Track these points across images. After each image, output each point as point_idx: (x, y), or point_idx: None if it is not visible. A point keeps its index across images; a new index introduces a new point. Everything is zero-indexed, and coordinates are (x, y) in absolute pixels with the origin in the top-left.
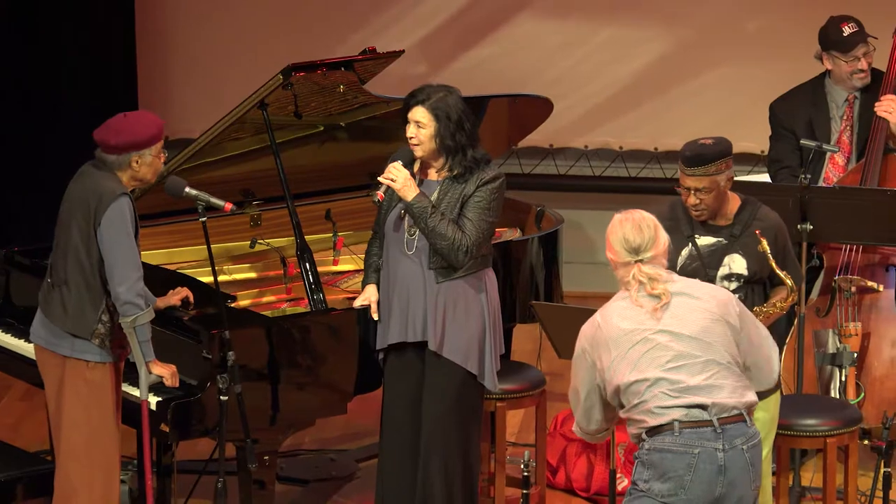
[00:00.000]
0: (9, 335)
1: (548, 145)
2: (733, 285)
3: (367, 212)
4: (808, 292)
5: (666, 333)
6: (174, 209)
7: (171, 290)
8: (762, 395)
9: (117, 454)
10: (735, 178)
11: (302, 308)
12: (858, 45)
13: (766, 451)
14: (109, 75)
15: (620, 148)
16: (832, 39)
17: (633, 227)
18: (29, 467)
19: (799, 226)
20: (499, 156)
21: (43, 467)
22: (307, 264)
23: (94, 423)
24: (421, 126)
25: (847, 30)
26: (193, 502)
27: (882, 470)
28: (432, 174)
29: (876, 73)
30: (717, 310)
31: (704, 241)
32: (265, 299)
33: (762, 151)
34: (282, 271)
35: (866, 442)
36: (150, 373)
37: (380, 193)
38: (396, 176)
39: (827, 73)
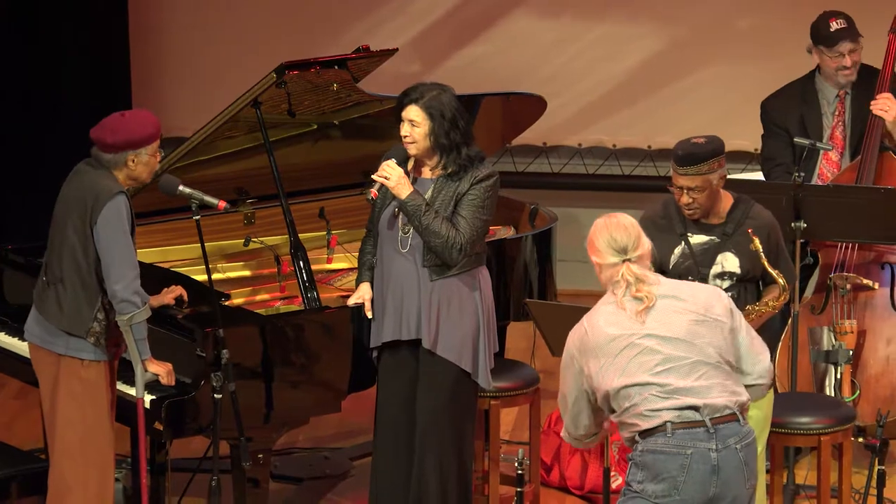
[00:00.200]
0: (2, 333)
1: (541, 143)
2: (726, 284)
3: (361, 210)
4: (803, 290)
5: (653, 337)
6: (168, 207)
7: (165, 289)
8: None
9: (112, 452)
10: (729, 177)
11: (296, 306)
12: (843, 42)
13: (760, 448)
14: (106, 75)
15: (614, 146)
16: (820, 34)
17: (619, 227)
18: (23, 465)
19: (793, 224)
20: (492, 154)
21: (37, 465)
22: (301, 262)
23: (88, 421)
24: (415, 125)
25: (834, 25)
26: (187, 500)
27: (876, 468)
28: (426, 172)
29: (870, 70)
30: (702, 310)
31: (697, 239)
32: (259, 297)
33: (755, 149)
34: (276, 269)
35: (861, 440)
36: (147, 371)
37: (373, 191)
38: (390, 174)
39: (817, 69)
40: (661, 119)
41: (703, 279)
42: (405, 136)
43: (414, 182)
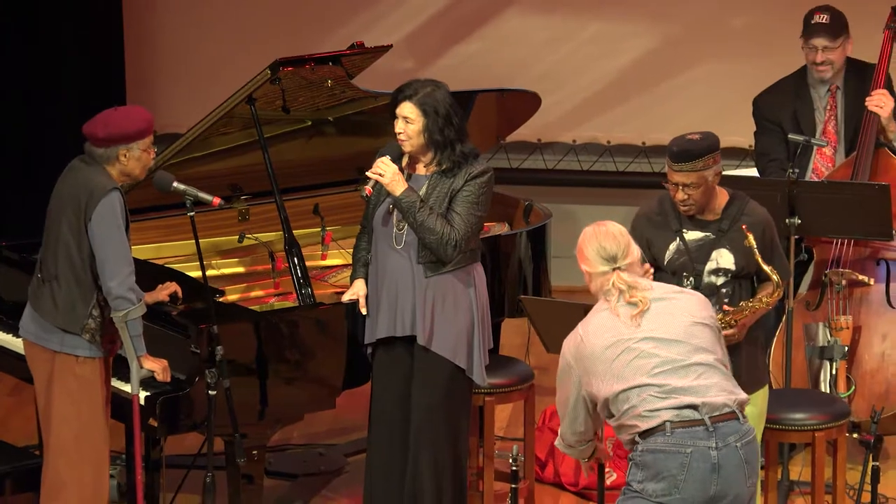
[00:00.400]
0: None
1: (536, 140)
2: (720, 280)
3: (356, 206)
4: (797, 286)
5: (649, 340)
6: (162, 204)
7: (160, 285)
8: (751, 390)
9: (106, 449)
10: (723, 173)
11: (290, 303)
12: (817, 37)
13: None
14: (101, 73)
15: (608, 142)
16: (804, 25)
17: (608, 236)
18: (17, 462)
19: (787, 220)
20: (486, 150)
21: (31, 462)
22: (295, 259)
23: (83, 418)
24: (409, 121)
25: (815, 19)
26: (182, 497)
27: (870, 464)
28: (420, 169)
29: (861, 65)
30: (696, 312)
31: (692, 235)
32: (253, 294)
33: (750, 146)
34: (270, 266)
35: (856, 435)
36: (142, 367)
37: (368, 188)
38: (384, 171)
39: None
40: (656, 116)
41: (698, 275)
42: (399, 133)
43: (408, 178)
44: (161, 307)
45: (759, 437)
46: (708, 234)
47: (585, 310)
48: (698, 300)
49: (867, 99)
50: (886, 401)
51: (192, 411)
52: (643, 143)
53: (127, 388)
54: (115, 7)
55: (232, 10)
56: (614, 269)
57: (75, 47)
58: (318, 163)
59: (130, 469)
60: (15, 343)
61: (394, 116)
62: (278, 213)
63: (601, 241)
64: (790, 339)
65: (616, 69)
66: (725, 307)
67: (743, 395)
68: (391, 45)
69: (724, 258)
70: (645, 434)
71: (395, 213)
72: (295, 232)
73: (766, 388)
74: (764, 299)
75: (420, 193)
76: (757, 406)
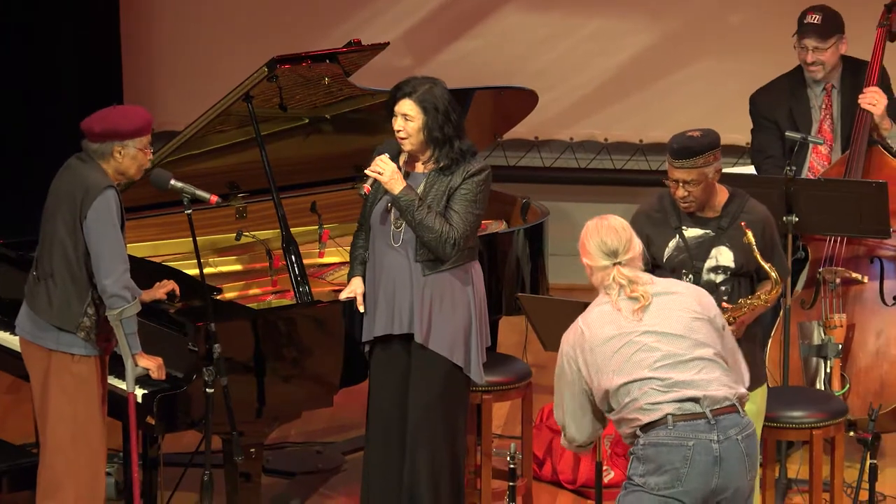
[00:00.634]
0: None
1: (533, 137)
2: (720, 278)
3: (353, 204)
4: (794, 284)
5: (651, 334)
6: (159, 202)
7: (157, 283)
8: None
9: (103, 447)
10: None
11: (287, 300)
12: (808, 37)
13: None
14: (97, 71)
15: (605, 140)
16: (797, 23)
17: (609, 230)
18: (14, 460)
19: (784, 218)
20: (484, 148)
21: (28, 460)
22: (293, 257)
23: (79, 416)
24: (409, 119)
25: (807, 18)
26: (180, 495)
27: (868, 462)
28: (418, 167)
29: (856, 63)
30: (697, 308)
31: (692, 232)
32: (251, 292)
33: (747, 143)
34: (267, 264)
35: (852, 433)
36: (137, 365)
37: (366, 186)
38: (383, 168)
39: None
40: (653, 113)
41: (698, 273)
42: (399, 131)
43: (406, 176)
44: (159, 305)
45: (758, 436)
46: (708, 231)
47: (583, 307)
48: (699, 294)
49: (860, 96)
50: (881, 398)
51: (190, 409)
52: (640, 141)
53: (123, 385)
54: (112, 6)
55: (228, 9)
56: (615, 264)
57: (72, 46)
58: (316, 160)
59: (127, 467)
60: (12, 341)
61: (391, 115)
62: (276, 211)
63: (603, 236)
64: (787, 336)
65: (613, 66)
66: (724, 305)
67: (743, 390)
68: (388, 43)
69: (723, 256)
70: (646, 427)
71: (392, 211)
72: (292, 230)
73: (765, 385)
74: (763, 297)
75: (418, 192)
76: (756, 404)
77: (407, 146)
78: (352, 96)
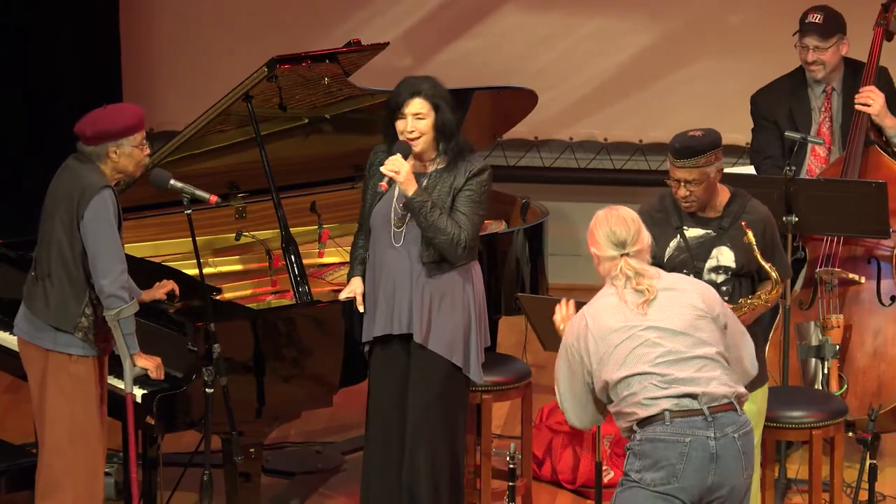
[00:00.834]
0: None
1: (532, 137)
2: (721, 278)
3: (352, 204)
4: (793, 284)
5: (654, 329)
6: (159, 202)
7: (157, 283)
8: (750, 388)
9: (101, 447)
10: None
11: (287, 300)
12: (809, 36)
13: (756, 442)
14: (97, 71)
15: (605, 140)
16: (799, 23)
17: (619, 221)
18: (13, 460)
19: (784, 218)
20: (484, 148)
21: (27, 460)
22: (292, 257)
23: (77, 416)
24: (420, 117)
25: (809, 18)
26: (179, 495)
27: (868, 462)
28: (417, 166)
29: (858, 65)
30: (703, 305)
31: (693, 232)
32: (250, 292)
33: (747, 143)
34: (267, 264)
35: (850, 434)
36: (135, 365)
37: (384, 184)
38: (399, 168)
39: None
40: (653, 113)
41: (698, 273)
42: (411, 132)
43: (381, 179)
44: (158, 305)
45: (758, 436)
46: (709, 231)
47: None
48: (704, 291)
49: (856, 96)
50: (879, 398)
51: (190, 409)
52: (640, 141)
53: (122, 385)
54: (111, 6)
55: (228, 9)
56: (623, 255)
57: (72, 46)
58: (315, 160)
59: (127, 467)
60: (11, 340)
61: (396, 117)
62: (275, 211)
63: (612, 226)
64: (787, 337)
65: (613, 66)
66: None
67: (742, 390)
68: (388, 43)
69: (724, 256)
70: (643, 423)
71: (393, 211)
72: (292, 230)
73: (766, 386)
74: (763, 297)
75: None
76: (756, 404)
77: (419, 146)
78: (351, 96)
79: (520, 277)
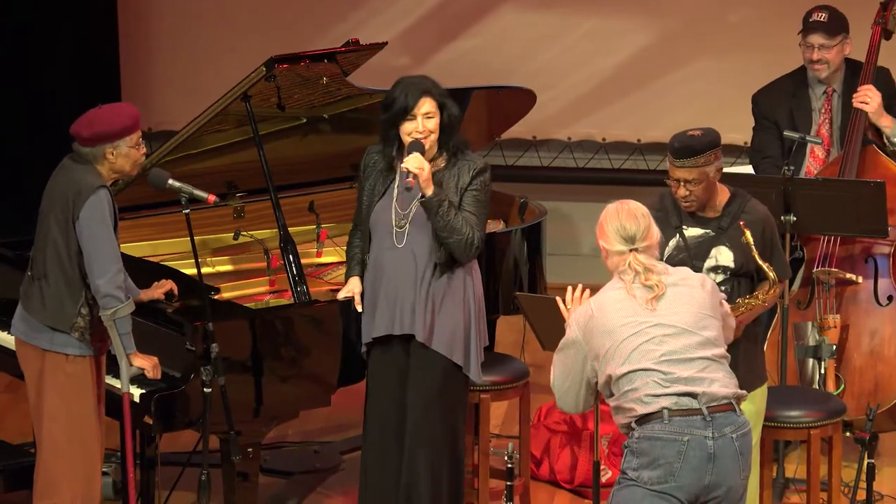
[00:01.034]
0: None
1: (531, 137)
2: (719, 277)
3: (350, 204)
4: (790, 284)
5: (660, 326)
6: (158, 201)
7: (156, 283)
8: (749, 388)
9: (99, 447)
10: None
11: (285, 300)
12: (814, 34)
13: (754, 442)
14: (95, 71)
15: (603, 139)
16: (803, 22)
17: (630, 215)
18: (12, 460)
19: (783, 217)
20: (482, 147)
21: (26, 460)
22: (290, 256)
23: (74, 416)
24: (430, 116)
25: (814, 16)
26: (177, 494)
27: (865, 461)
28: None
29: (857, 66)
30: (708, 302)
31: (692, 232)
32: (249, 291)
33: (745, 143)
34: (265, 263)
35: (848, 433)
36: (132, 365)
37: (411, 180)
38: (423, 166)
39: None
40: (651, 113)
41: (697, 272)
42: (421, 132)
43: (408, 176)
44: (157, 305)
45: (757, 436)
46: (708, 231)
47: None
48: (713, 288)
49: (854, 95)
50: (876, 398)
51: (188, 409)
52: (638, 141)
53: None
54: (110, 6)
55: (227, 8)
56: (631, 250)
57: (65, 44)
58: (314, 160)
59: (125, 467)
60: (9, 340)
61: (403, 120)
62: (273, 211)
63: (622, 220)
64: (785, 337)
65: (611, 66)
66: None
67: (742, 391)
68: (386, 42)
69: (723, 255)
70: (642, 420)
71: (394, 211)
72: (290, 229)
73: (765, 386)
74: (760, 297)
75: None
76: (755, 404)
77: (429, 145)
78: (350, 96)
79: (518, 277)
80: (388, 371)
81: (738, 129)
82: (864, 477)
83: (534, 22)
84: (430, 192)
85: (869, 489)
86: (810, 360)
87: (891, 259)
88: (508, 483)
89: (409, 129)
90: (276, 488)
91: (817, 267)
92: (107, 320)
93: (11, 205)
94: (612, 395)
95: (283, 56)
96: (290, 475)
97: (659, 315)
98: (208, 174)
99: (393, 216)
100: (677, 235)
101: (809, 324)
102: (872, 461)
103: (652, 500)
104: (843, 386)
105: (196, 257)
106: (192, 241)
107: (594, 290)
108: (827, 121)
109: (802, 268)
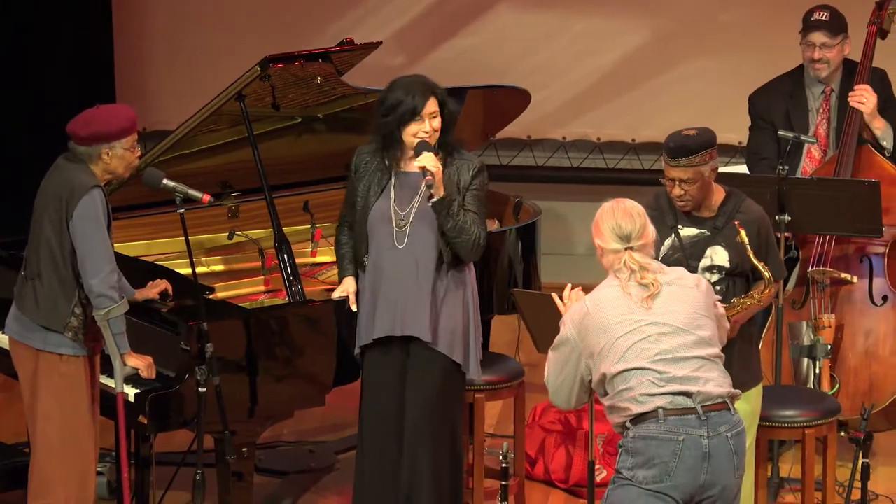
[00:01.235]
0: None
1: (526, 136)
2: (715, 277)
3: None
4: (785, 283)
5: (656, 325)
6: (152, 201)
7: (150, 283)
8: (744, 388)
9: (93, 447)
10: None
11: (280, 300)
12: (815, 32)
13: (750, 441)
14: (90, 70)
15: (598, 139)
16: (802, 21)
17: (625, 214)
18: (6, 459)
19: (777, 217)
20: (477, 147)
21: (20, 460)
22: (285, 256)
23: (68, 416)
24: (435, 115)
25: (815, 15)
26: (172, 494)
27: (860, 461)
28: (414, 166)
29: (854, 66)
30: (702, 301)
31: (687, 231)
32: (243, 291)
33: (740, 142)
34: (260, 263)
35: (843, 433)
36: (125, 365)
37: (430, 178)
38: (438, 166)
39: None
40: (646, 112)
41: (692, 272)
42: (427, 132)
43: (406, 176)
44: (151, 304)
45: (753, 436)
46: (703, 230)
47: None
48: (708, 287)
49: (849, 94)
50: (870, 398)
51: (182, 408)
52: (633, 140)
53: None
54: (104, 5)
55: (221, 8)
56: (627, 249)
57: (60, 44)
58: (308, 160)
59: (119, 466)
60: (3, 340)
61: (407, 122)
62: (268, 210)
63: (618, 219)
64: (780, 336)
65: (606, 65)
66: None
67: (736, 391)
68: (381, 42)
69: (718, 255)
70: (637, 420)
71: (393, 211)
72: (285, 229)
73: (760, 385)
74: (756, 296)
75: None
76: (750, 404)
77: (433, 143)
78: (344, 95)
79: (512, 276)
80: (386, 372)
81: (733, 128)
82: (858, 477)
83: (529, 22)
84: (442, 192)
85: (863, 489)
86: (805, 360)
87: (886, 259)
88: (503, 483)
89: (416, 130)
90: (270, 488)
91: (812, 266)
92: (100, 320)
93: (11, 204)
94: (606, 393)
95: (277, 56)
96: (285, 475)
97: (654, 314)
98: (203, 174)
99: (393, 217)
100: (672, 235)
101: (804, 323)
102: (867, 461)
103: (647, 499)
104: (837, 386)
105: (191, 257)
106: (187, 240)
107: (588, 289)
108: (825, 121)
109: (797, 267)
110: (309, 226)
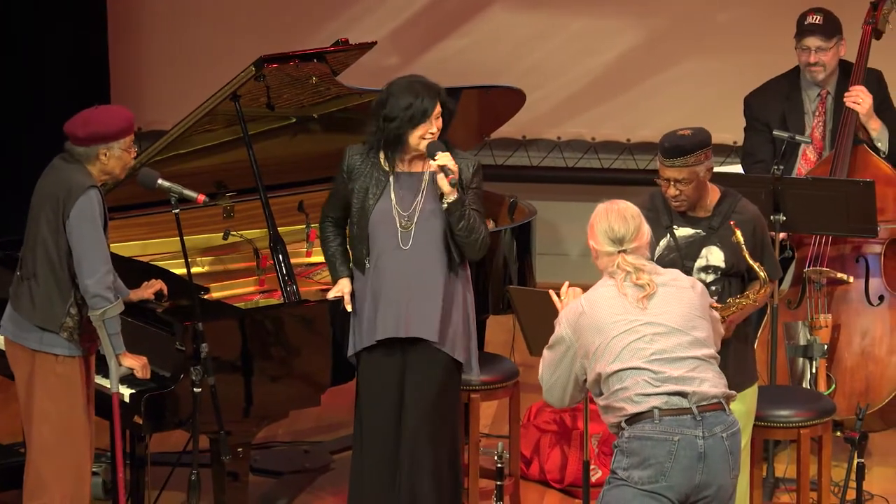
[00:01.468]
0: None
1: (520, 136)
2: (710, 277)
3: None
4: (780, 283)
5: (651, 325)
6: (147, 201)
7: (145, 283)
8: (739, 388)
9: (88, 448)
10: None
11: (275, 300)
12: (810, 37)
13: (745, 441)
14: (85, 71)
15: (593, 139)
16: (797, 25)
17: (619, 217)
18: (2, 459)
19: (772, 217)
20: (471, 147)
21: (15, 460)
22: (280, 256)
23: (64, 417)
24: (438, 116)
25: (808, 19)
26: (167, 494)
27: (855, 461)
28: (418, 165)
29: (850, 67)
30: (697, 302)
31: (683, 232)
32: (238, 291)
33: (734, 143)
34: (255, 263)
35: (838, 433)
36: (121, 365)
37: (453, 175)
38: (457, 166)
39: None
40: (640, 112)
41: (688, 272)
42: (433, 133)
43: (409, 176)
44: (146, 304)
45: (748, 436)
46: (698, 231)
47: None
48: (701, 293)
49: (845, 95)
50: (867, 398)
51: (178, 409)
52: (628, 140)
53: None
54: (98, 4)
55: (217, 8)
56: (620, 251)
57: (55, 44)
58: (303, 160)
59: (114, 467)
60: None
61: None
62: (263, 210)
63: (611, 222)
64: (775, 336)
65: (601, 66)
66: (713, 304)
67: (731, 391)
68: (375, 42)
69: (713, 255)
70: (632, 420)
71: (395, 211)
72: (280, 229)
73: (756, 385)
74: (751, 296)
75: (422, 189)
76: (746, 404)
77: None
78: (339, 95)
79: (507, 276)
80: (386, 373)
81: (728, 128)
82: (853, 476)
83: (523, 22)
84: (456, 193)
85: (859, 489)
86: (801, 360)
87: (882, 259)
88: (498, 483)
89: (423, 132)
90: (265, 488)
91: (808, 266)
92: (96, 320)
93: (7, 204)
94: (601, 393)
95: (272, 56)
96: (280, 475)
97: (650, 314)
98: (198, 174)
99: (396, 218)
100: (668, 235)
101: (800, 323)
102: (862, 461)
103: (642, 499)
104: (834, 386)
105: (186, 257)
106: (182, 240)
107: (584, 290)
108: (821, 123)
109: (792, 267)
110: (304, 226)
